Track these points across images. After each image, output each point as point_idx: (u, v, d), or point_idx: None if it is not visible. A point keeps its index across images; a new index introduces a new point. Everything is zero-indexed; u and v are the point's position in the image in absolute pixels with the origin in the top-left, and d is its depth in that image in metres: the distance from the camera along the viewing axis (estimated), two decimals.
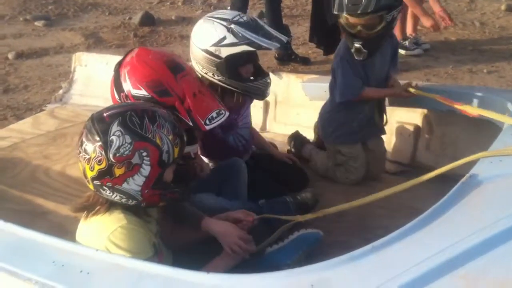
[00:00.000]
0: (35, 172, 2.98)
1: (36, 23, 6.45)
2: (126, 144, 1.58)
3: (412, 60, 5.05)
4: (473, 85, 4.25)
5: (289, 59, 4.79)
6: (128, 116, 1.61)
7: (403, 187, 1.96)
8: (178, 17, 6.61)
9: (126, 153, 1.58)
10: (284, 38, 2.30)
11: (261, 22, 2.33)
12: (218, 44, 2.23)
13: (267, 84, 2.41)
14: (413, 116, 2.98)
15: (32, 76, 4.97)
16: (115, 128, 1.58)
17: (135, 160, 1.60)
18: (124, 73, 1.95)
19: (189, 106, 1.92)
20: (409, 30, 5.30)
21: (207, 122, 1.94)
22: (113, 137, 1.58)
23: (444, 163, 2.62)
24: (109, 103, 3.77)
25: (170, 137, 1.64)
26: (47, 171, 2.99)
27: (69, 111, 3.83)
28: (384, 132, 2.90)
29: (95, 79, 4.03)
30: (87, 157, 1.61)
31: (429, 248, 1.43)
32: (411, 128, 2.98)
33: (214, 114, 1.95)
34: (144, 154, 1.60)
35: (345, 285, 1.42)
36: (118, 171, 1.60)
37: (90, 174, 1.62)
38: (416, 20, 5.27)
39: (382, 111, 2.82)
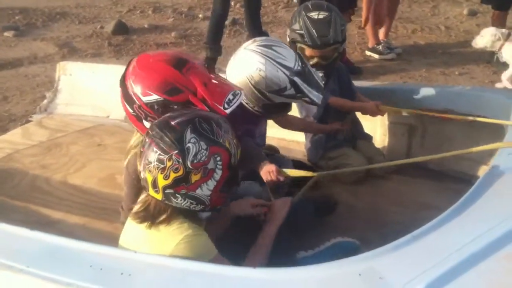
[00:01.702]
0: (35, 182, 2.96)
1: (5, 33, 6.32)
2: (203, 151, 1.62)
3: (386, 64, 5.23)
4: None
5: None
6: (198, 122, 1.64)
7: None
8: (151, 25, 6.61)
9: (203, 159, 1.62)
10: (322, 84, 2.37)
11: (311, 69, 2.36)
12: (278, 93, 2.27)
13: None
14: (406, 116, 3.10)
15: (10, 87, 4.89)
16: (189, 135, 1.62)
17: (211, 165, 1.64)
18: (130, 84, 1.92)
19: (203, 96, 1.88)
20: (381, 35, 5.49)
21: (226, 106, 1.89)
22: (190, 145, 1.61)
23: (440, 160, 2.79)
24: (97, 111, 3.85)
25: (235, 141, 1.70)
26: (47, 180, 2.97)
27: (57, 121, 3.80)
28: (369, 137, 3.06)
29: (81, 88, 4.01)
30: (162, 166, 1.62)
31: (467, 234, 1.53)
32: (405, 127, 3.10)
33: (230, 97, 1.91)
34: (218, 159, 1.65)
35: (392, 272, 1.49)
36: (194, 178, 1.63)
37: (163, 183, 1.64)
38: (388, 25, 5.47)
39: (356, 121, 3.02)
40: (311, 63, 2.69)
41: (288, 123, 2.85)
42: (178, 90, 1.89)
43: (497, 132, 2.29)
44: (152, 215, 1.73)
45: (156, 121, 1.75)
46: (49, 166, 3.12)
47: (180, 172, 1.62)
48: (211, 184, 1.67)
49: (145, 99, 1.89)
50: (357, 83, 3.34)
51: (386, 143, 3.18)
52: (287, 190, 2.46)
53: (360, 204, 2.59)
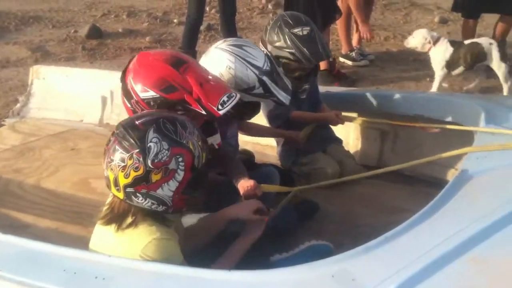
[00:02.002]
0: (7, 186, 2.94)
1: None
2: (164, 150, 1.61)
3: (360, 70, 5.31)
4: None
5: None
6: (162, 123, 1.65)
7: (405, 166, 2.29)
8: (125, 29, 6.59)
9: (164, 158, 1.61)
10: (290, 86, 2.42)
11: (280, 71, 2.42)
12: (247, 91, 2.29)
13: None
14: (378, 121, 3.16)
15: None
16: (151, 135, 1.61)
17: (172, 165, 1.63)
18: (130, 80, 1.97)
19: (198, 95, 1.92)
20: (354, 42, 5.59)
21: (220, 107, 1.93)
22: (151, 144, 1.60)
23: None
24: (71, 115, 3.83)
25: (200, 143, 1.69)
26: (20, 184, 2.94)
27: (30, 125, 3.77)
28: (339, 140, 3.12)
29: (54, 92, 3.99)
30: (122, 164, 1.61)
31: (437, 236, 1.57)
32: (377, 132, 3.16)
33: (225, 98, 1.95)
34: (180, 159, 1.64)
35: (364, 274, 1.52)
36: (155, 177, 1.62)
37: (124, 181, 1.63)
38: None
39: (326, 126, 3.07)
40: (294, 75, 2.74)
41: (248, 128, 2.89)
42: (174, 88, 1.93)
43: (466, 137, 2.34)
44: (117, 217, 1.73)
45: (122, 120, 1.76)
46: (22, 170, 3.09)
47: (141, 171, 1.61)
48: (173, 185, 1.66)
49: (142, 95, 1.94)
50: (330, 89, 3.40)
51: (359, 148, 3.24)
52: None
53: (333, 208, 2.62)
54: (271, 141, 3.24)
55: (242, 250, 1.95)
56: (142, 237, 1.70)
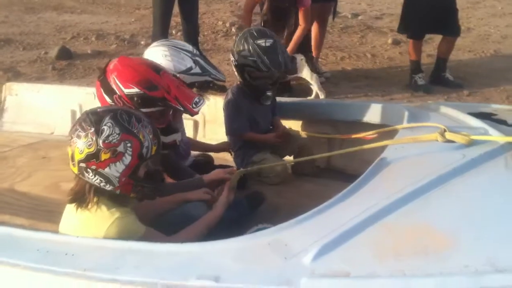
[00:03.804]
0: None
1: None
2: (115, 134, 1.87)
3: None
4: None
5: (207, 87, 5.19)
6: (119, 113, 1.92)
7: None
8: (94, 51, 6.86)
9: (114, 141, 1.87)
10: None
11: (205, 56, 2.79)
12: (185, 72, 2.62)
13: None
14: (325, 127, 3.49)
15: None
16: (107, 120, 1.88)
17: (120, 148, 1.89)
18: (113, 78, 2.28)
19: (175, 95, 2.28)
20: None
21: (194, 106, 2.31)
22: (105, 127, 1.87)
23: (355, 165, 3.20)
24: (42, 128, 4.06)
25: (151, 136, 1.96)
26: None
27: (4, 137, 3.97)
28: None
29: (26, 107, 4.22)
30: (78, 141, 1.88)
31: (355, 209, 1.88)
32: (325, 137, 3.47)
33: (197, 99, 2.33)
34: (129, 145, 1.90)
35: (294, 240, 1.80)
36: (104, 156, 1.88)
37: (78, 156, 1.89)
38: (317, 52, 5.93)
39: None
40: (257, 82, 3.10)
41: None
42: (156, 87, 2.28)
43: (394, 135, 2.67)
44: (77, 194, 1.99)
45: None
46: None
47: (92, 149, 1.87)
48: (120, 166, 1.91)
49: (127, 91, 2.27)
50: (284, 99, 3.72)
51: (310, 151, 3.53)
52: None
53: (283, 201, 2.90)
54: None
55: (203, 225, 2.25)
56: (105, 218, 1.96)
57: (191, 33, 5.28)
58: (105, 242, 1.93)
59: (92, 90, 4.11)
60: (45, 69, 6.21)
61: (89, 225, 1.99)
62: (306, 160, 3.19)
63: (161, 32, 5.08)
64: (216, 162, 3.36)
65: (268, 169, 3.14)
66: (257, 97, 3.18)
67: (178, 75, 2.59)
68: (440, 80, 5.66)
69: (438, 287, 1.53)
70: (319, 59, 6.07)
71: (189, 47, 2.71)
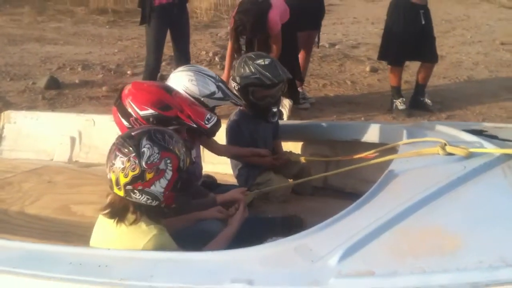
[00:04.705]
0: None
1: None
2: (155, 154, 2.01)
3: (302, 112, 5.86)
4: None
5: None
6: (153, 133, 2.06)
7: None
8: (82, 80, 6.96)
9: (155, 160, 2.01)
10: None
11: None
12: (209, 96, 2.81)
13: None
14: (322, 148, 3.68)
15: None
16: (144, 142, 2.01)
17: (162, 166, 2.02)
18: (128, 101, 2.42)
19: (188, 114, 2.45)
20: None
21: (206, 122, 2.48)
22: (144, 149, 2.00)
23: (351, 184, 3.38)
24: (41, 154, 4.14)
25: (184, 150, 2.11)
26: (5, 212, 3.16)
27: (5, 163, 4.03)
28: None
29: (25, 134, 4.30)
30: (122, 166, 2.00)
31: (371, 216, 2.04)
32: (322, 157, 3.64)
33: (208, 116, 2.50)
34: (168, 161, 2.03)
35: (318, 245, 1.95)
36: (148, 176, 2.01)
37: (123, 180, 2.00)
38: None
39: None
40: (262, 102, 3.25)
41: (217, 150, 3.38)
42: (170, 107, 2.44)
43: (394, 152, 2.85)
44: (118, 211, 2.09)
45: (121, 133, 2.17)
46: (4, 200, 3.32)
47: (137, 171, 1.99)
48: (163, 182, 2.03)
49: (142, 113, 2.41)
50: (285, 122, 3.90)
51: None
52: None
53: None
54: (230, 170, 3.66)
55: (224, 239, 2.39)
56: (144, 234, 2.08)
57: (183, 60, 5.45)
58: (137, 253, 2.05)
59: (91, 117, 4.26)
60: (34, 98, 6.26)
61: (124, 239, 2.10)
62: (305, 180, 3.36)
63: (155, 59, 5.24)
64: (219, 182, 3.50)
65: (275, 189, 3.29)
66: (264, 116, 3.33)
67: (202, 99, 2.76)
68: (419, 105, 5.93)
69: (457, 280, 1.71)
70: (303, 86, 6.30)
71: (213, 73, 2.90)
